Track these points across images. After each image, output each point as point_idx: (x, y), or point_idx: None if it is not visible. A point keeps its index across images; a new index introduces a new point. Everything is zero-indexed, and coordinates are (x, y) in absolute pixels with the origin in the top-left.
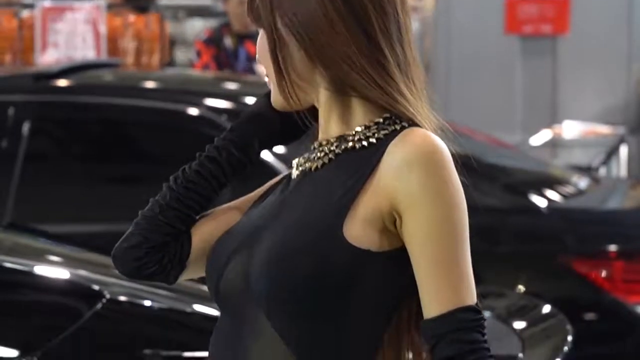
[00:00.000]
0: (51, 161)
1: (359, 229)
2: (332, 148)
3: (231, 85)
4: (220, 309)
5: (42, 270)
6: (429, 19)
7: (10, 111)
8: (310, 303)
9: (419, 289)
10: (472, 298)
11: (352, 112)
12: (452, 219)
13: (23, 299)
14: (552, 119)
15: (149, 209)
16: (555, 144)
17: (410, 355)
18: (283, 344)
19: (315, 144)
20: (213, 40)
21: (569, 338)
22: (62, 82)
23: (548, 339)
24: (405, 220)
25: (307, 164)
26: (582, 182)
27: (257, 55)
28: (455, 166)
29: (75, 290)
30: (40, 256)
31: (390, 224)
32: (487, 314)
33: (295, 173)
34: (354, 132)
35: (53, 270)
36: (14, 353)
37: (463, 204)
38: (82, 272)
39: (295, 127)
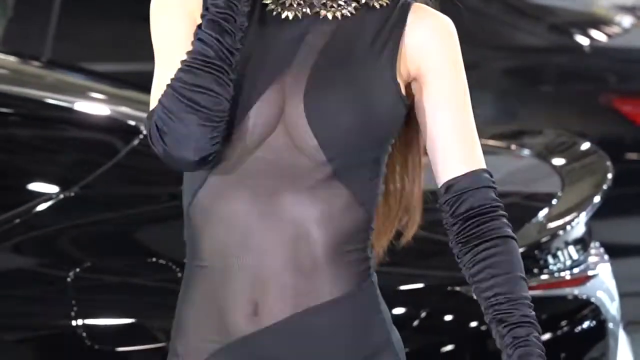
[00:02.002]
0: None
1: (400, 82)
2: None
3: None
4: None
5: (81, 106)
6: None
7: None
8: (371, 153)
9: (439, 153)
10: (484, 161)
11: None
12: (467, 89)
13: (63, 135)
14: None
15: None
16: None
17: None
18: (344, 189)
19: None
20: None
21: (609, 176)
22: None
23: (588, 176)
24: (433, 86)
25: (312, 9)
26: (626, 22)
27: None
28: None
29: (112, 126)
30: (80, 93)
31: (407, 83)
32: (526, 151)
33: (288, 13)
34: None
35: (92, 107)
36: (53, 189)
37: None
38: (121, 109)
39: None
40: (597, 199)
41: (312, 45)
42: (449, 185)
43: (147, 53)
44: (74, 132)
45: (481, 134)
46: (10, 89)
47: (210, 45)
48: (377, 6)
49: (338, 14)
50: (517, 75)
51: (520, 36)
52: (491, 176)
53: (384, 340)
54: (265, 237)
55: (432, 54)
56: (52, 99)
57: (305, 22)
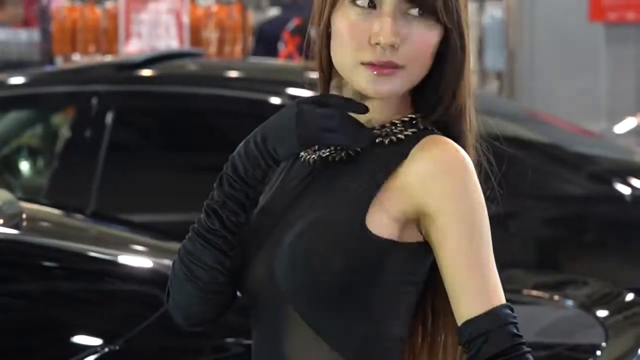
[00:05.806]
0: (134, 151)
1: (383, 221)
2: None
3: (314, 75)
4: (251, 304)
5: (125, 259)
6: (513, 7)
7: (94, 101)
8: (338, 296)
9: (452, 293)
10: (503, 296)
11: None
12: (480, 222)
13: (106, 288)
14: (637, 107)
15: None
16: None
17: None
18: (316, 335)
19: None
20: (300, 30)
21: None
22: (146, 72)
23: (632, 327)
24: (434, 227)
25: (327, 153)
26: None
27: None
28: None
29: (156, 278)
30: (123, 245)
31: (412, 221)
32: (569, 302)
33: (311, 157)
34: (382, 127)
35: (136, 260)
36: (97, 342)
37: (485, 207)
38: (165, 262)
39: None
40: None
41: (307, 195)
42: (466, 325)
43: (189, 204)
44: (117, 284)
45: (523, 284)
46: (55, 242)
47: (211, 220)
48: (386, 142)
49: (332, 156)
50: (558, 225)
51: (560, 185)
52: (511, 308)
53: None
54: None
55: (428, 197)
56: (95, 252)
57: (319, 166)
